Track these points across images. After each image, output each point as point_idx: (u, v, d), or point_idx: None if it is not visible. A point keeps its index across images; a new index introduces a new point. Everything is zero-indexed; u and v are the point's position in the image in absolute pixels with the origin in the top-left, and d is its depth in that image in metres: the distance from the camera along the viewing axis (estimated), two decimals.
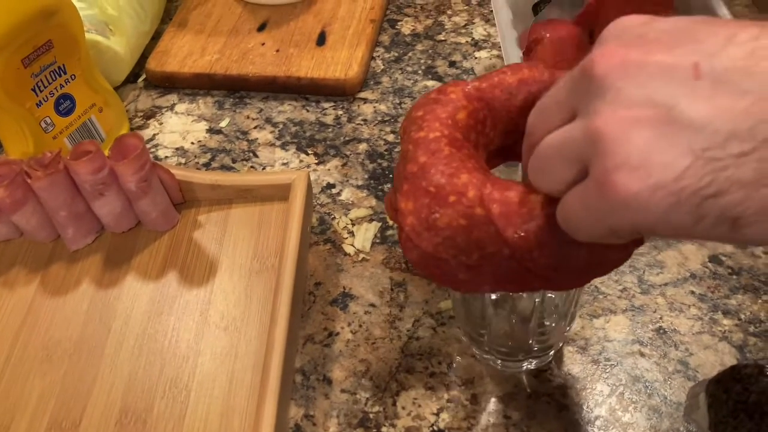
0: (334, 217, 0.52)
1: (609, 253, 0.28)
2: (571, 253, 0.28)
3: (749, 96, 0.19)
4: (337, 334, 0.45)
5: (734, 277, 0.45)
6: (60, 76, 0.52)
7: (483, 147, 0.34)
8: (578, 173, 0.23)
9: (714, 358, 0.42)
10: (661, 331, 0.43)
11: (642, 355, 0.42)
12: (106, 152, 0.47)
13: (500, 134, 0.33)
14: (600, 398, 0.41)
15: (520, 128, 0.34)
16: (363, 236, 0.50)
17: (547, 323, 0.40)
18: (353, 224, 0.51)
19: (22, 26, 0.47)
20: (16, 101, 0.49)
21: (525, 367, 0.42)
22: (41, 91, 0.51)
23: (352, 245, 0.50)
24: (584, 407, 0.40)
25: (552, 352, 0.42)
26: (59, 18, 0.49)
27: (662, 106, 0.20)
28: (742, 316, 0.43)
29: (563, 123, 0.24)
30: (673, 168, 0.20)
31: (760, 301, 0.44)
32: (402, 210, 0.30)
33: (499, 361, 0.42)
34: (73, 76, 0.53)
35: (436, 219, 0.29)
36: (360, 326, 0.45)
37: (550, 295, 0.40)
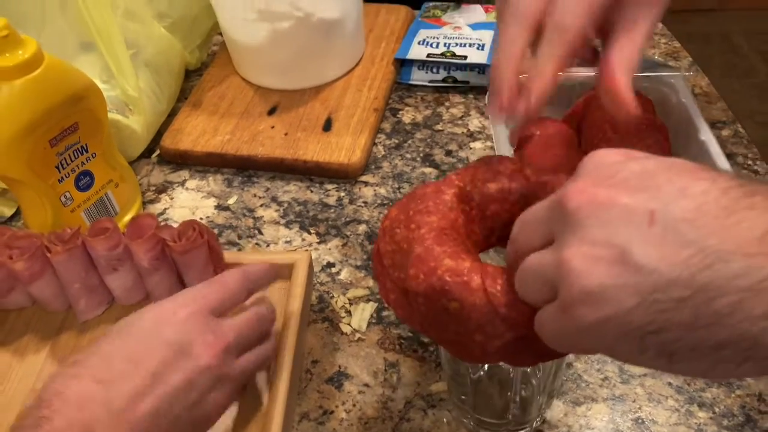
0: (333, 296, 0.54)
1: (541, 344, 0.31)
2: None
3: (691, 247, 0.22)
4: (332, 412, 0.47)
5: None
6: (82, 154, 0.55)
7: (475, 233, 0.38)
8: (552, 294, 0.27)
9: None
10: (640, 420, 0.45)
11: None
12: (120, 224, 0.50)
13: (487, 226, 0.37)
14: None
15: (501, 223, 0.38)
16: (360, 316, 0.53)
17: (525, 394, 0.43)
18: (351, 303, 0.54)
19: (52, 111, 0.50)
20: (40, 177, 0.52)
21: None
22: (64, 168, 0.54)
23: (349, 324, 0.52)
24: None
25: (528, 428, 0.44)
26: (86, 102, 0.53)
27: (618, 248, 0.24)
28: (716, 410, 0.46)
29: (543, 243, 0.28)
30: (623, 305, 0.23)
31: (733, 395, 0.46)
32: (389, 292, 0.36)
33: (481, 430, 0.44)
34: (94, 154, 0.56)
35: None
36: (354, 405, 0.47)
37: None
